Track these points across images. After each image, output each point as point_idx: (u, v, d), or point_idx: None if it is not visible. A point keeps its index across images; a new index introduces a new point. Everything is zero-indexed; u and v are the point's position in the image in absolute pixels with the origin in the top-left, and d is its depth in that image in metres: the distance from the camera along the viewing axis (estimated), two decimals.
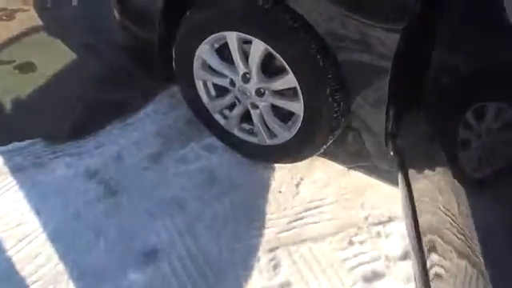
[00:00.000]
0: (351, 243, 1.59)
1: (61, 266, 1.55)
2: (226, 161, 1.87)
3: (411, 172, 1.36)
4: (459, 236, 1.09)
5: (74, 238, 1.63)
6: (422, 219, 1.25)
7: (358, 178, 1.79)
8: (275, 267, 1.55)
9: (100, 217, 1.70)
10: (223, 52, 1.67)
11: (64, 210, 1.72)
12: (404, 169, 1.37)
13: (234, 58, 1.62)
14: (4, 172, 1.83)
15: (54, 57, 2.33)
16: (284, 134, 1.68)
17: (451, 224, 1.14)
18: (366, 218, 1.68)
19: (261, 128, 1.72)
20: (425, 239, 1.21)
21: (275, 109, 1.67)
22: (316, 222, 1.66)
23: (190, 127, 1.98)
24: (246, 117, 1.77)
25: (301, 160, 1.76)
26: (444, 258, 1.13)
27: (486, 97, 1.10)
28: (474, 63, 1.15)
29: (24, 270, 1.55)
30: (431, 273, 1.13)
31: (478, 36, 1.14)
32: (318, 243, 1.59)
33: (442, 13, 1.20)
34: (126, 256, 1.58)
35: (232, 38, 1.56)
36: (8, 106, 2.12)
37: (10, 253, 1.59)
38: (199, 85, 1.79)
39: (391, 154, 1.52)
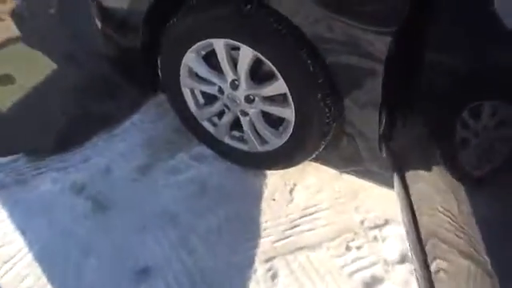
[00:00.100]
0: (348, 249, 1.57)
1: None
2: (217, 170, 1.84)
3: (407, 174, 1.35)
4: (460, 235, 1.09)
5: (62, 258, 1.57)
6: (421, 221, 1.24)
7: (351, 182, 1.77)
8: (273, 277, 1.52)
9: (89, 234, 1.64)
10: (210, 59, 1.63)
11: (51, 228, 1.66)
12: (400, 171, 1.36)
13: (221, 65, 1.58)
14: None
15: (34, 68, 2.25)
16: (275, 141, 1.65)
17: (451, 224, 1.13)
18: (362, 222, 1.66)
19: (251, 135, 1.69)
20: (425, 241, 1.19)
21: (265, 115, 1.64)
22: (312, 229, 1.64)
23: (179, 136, 1.94)
24: (236, 124, 1.73)
25: (293, 166, 1.73)
26: (446, 260, 1.12)
27: (481, 96, 1.10)
28: (466, 63, 1.14)
29: None
30: (434, 275, 1.12)
31: (469, 36, 1.13)
32: (315, 251, 1.57)
33: (433, 14, 1.18)
34: (118, 274, 1.53)
35: (219, 45, 1.53)
36: None
37: None
38: (187, 93, 1.75)
39: (384, 157, 1.50)
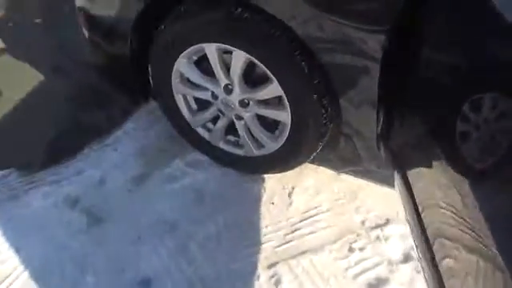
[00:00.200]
0: (351, 250, 1.55)
1: None
2: (213, 176, 1.81)
3: (408, 172, 1.33)
4: (466, 230, 1.07)
5: (59, 274, 1.53)
6: (425, 219, 1.23)
7: (350, 182, 1.75)
8: (276, 284, 1.49)
9: (86, 248, 1.61)
10: (202, 64, 1.60)
11: (46, 244, 1.62)
12: (401, 170, 1.34)
13: (214, 70, 1.55)
14: None
15: (20, 80, 2.20)
16: (272, 144, 1.63)
17: (455, 219, 1.12)
18: (363, 223, 1.64)
19: (247, 139, 1.67)
20: (431, 239, 1.18)
21: (261, 119, 1.62)
22: (313, 232, 1.61)
23: (173, 143, 1.91)
24: (231, 129, 1.71)
25: (291, 169, 1.71)
26: (453, 257, 1.11)
27: (481, 89, 1.09)
28: (465, 58, 1.13)
29: None
30: (443, 274, 1.10)
31: (467, 31, 1.12)
32: (317, 254, 1.55)
33: (429, 9, 1.17)
34: (117, 287, 1.49)
35: (211, 49, 1.50)
36: None
37: None
38: (179, 99, 1.72)
39: (383, 155, 1.49)
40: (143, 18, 1.58)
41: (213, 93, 1.62)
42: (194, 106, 1.74)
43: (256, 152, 1.68)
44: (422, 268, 1.15)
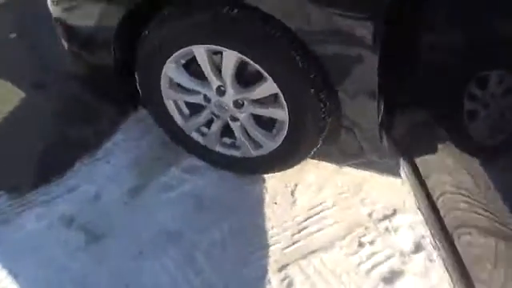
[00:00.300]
0: (361, 245, 1.52)
1: None
2: (211, 180, 1.75)
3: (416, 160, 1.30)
4: (481, 212, 1.05)
5: None
6: (439, 205, 1.20)
7: (353, 175, 1.71)
8: (289, 286, 1.45)
9: (86, 267, 1.54)
10: (191, 67, 1.55)
11: (45, 267, 1.55)
12: (408, 158, 1.31)
13: (205, 73, 1.50)
14: None
15: (1, 98, 2.12)
16: (270, 144, 1.58)
17: (467, 203, 1.09)
18: (370, 215, 1.61)
19: (244, 140, 1.62)
20: (447, 226, 1.15)
21: (256, 118, 1.57)
22: (321, 229, 1.58)
23: (167, 150, 1.84)
24: (226, 131, 1.66)
25: (291, 167, 1.66)
26: (471, 242, 1.08)
27: (487, 66, 1.07)
28: (467, 36, 1.10)
29: None
30: (465, 261, 1.07)
31: (466, 10, 1.09)
32: (327, 252, 1.51)
33: None
34: None
35: (200, 51, 1.44)
36: None
37: None
38: (170, 105, 1.66)
39: (386, 145, 1.45)
40: (126, 25, 1.52)
41: (205, 96, 1.57)
42: (186, 111, 1.68)
43: (254, 152, 1.63)
44: (441, 257, 1.12)
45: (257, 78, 1.45)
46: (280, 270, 1.48)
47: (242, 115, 1.56)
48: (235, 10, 1.34)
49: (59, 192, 1.75)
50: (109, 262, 1.56)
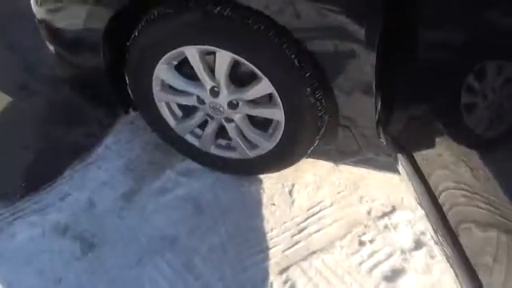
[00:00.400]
0: (362, 244, 1.51)
1: None
2: (208, 183, 1.73)
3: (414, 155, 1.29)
4: (481, 205, 1.04)
5: None
6: (440, 200, 1.18)
7: (350, 173, 1.70)
8: None
9: (82, 277, 1.51)
10: (183, 68, 1.51)
11: (40, 277, 1.51)
12: (407, 153, 1.29)
13: (197, 74, 1.46)
14: None
15: None
16: (266, 144, 1.56)
17: (467, 197, 1.08)
18: (369, 213, 1.60)
19: (240, 141, 1.59)
20: (450, 222, 1.13)
21: (251, 119, 1.54)
22: (320, 229, 1.56)
23: (161, 153, 1.81)
24: (221, 132, 1.62)
25: (288, 167, 1.64)
26: (473, 236, 1.07)
27: (484, 57, 1.05)
28: (463, 28, 1.08)
29: None
30: (469, 256, 1.06)
31: (460, 8, 1.08)
32: (328, 252, 1.50)
33: None
34: None
35: (192, 52, 1.41)
36: None
37: None
38: (162, 108, 1.62)
39: (384, 142, 1.44)
40: (114, 27, 1.47)
41: (198, 97, 1.53)
42: (179, 113, 1.65)
43: (250, 153, 1.61)
44: (444, 253, 1.10)
45: (251, 78, 1.42)
46: (281, 272, 1.46)
47: (237, 116, 1.53)
48: (227, 10, 1.30)
49: (51, 200, 1.71)
50: (106, 270, 1.52)
